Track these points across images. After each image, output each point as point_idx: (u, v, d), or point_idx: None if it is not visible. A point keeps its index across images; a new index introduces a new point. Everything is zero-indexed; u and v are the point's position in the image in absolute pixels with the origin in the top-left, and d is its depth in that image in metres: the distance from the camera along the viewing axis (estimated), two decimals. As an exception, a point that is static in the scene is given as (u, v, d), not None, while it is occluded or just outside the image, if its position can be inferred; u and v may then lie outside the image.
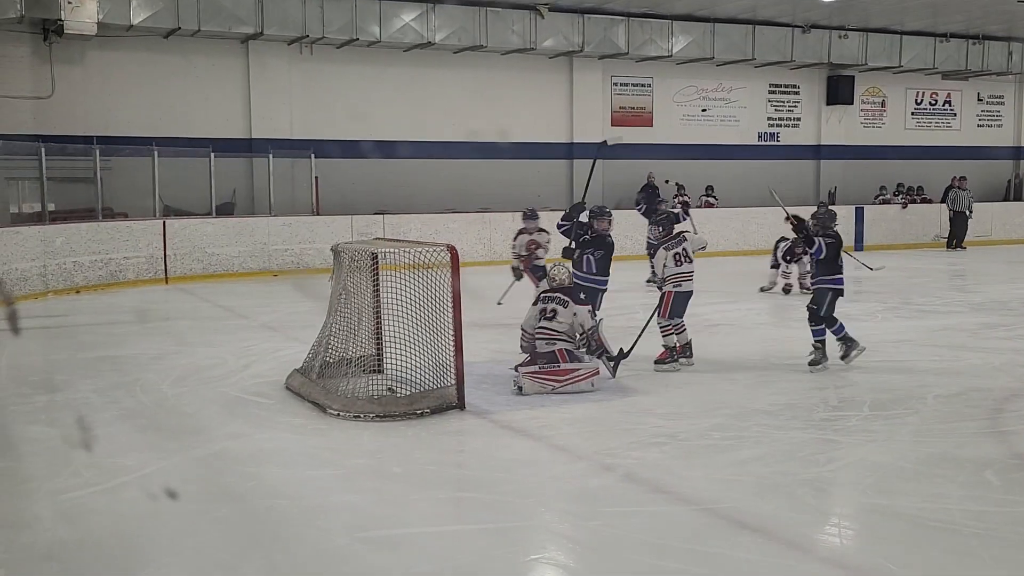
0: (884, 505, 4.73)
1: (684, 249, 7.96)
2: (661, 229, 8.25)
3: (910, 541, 4.27)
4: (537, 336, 7.35)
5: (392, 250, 6.99)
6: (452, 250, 6.51)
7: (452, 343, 6.47)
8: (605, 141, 9.02)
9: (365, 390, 6.59)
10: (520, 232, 10.33)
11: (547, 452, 5.72)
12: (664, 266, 7.94)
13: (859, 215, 20.70)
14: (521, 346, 7.67)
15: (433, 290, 6.66)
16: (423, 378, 6.72)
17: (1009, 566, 3.99)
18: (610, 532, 4.42)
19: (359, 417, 6.28)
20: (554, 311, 7.35)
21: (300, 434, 6.10)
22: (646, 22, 18.84)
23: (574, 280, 7.82)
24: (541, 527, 4.62)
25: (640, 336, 7.82)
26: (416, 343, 6.75)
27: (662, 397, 6.94)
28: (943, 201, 20.99)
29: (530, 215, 10.34)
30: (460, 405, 6.49)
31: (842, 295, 7.87)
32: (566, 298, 7.38)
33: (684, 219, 12.19)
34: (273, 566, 4.12)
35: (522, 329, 7.59)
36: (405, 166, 18.17)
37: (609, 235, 8.35)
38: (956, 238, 20.24)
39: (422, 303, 6.71)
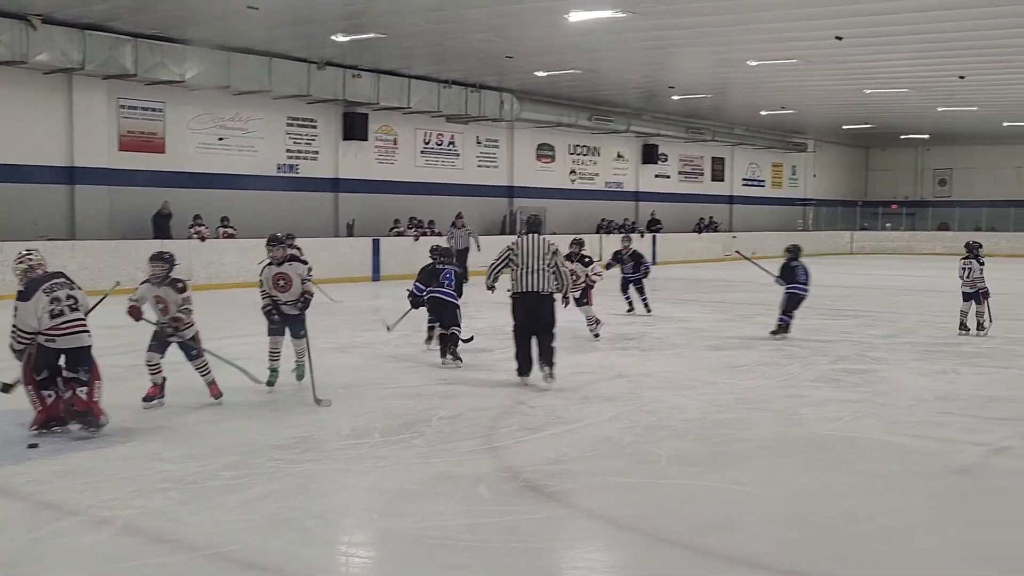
0: (390, 528, 4.94)
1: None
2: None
3: (411, 561, 4.50)
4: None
5: None
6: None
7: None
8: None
9: None
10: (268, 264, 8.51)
11: (31, 511, 5.13)
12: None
13: (375, 247, 21.74)
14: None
15: None
16: None
17: (498, 571, 4.36)
18: (105, 593, 4.09)
19: None
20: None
21: None
22: (156, 44, 18.05)
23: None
24: (22, 598, 4.13)
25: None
26: None
27: (171, 440, 6.62)
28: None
29: (279, 241, 8.51)
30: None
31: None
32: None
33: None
34: None
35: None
36: None
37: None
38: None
39: None
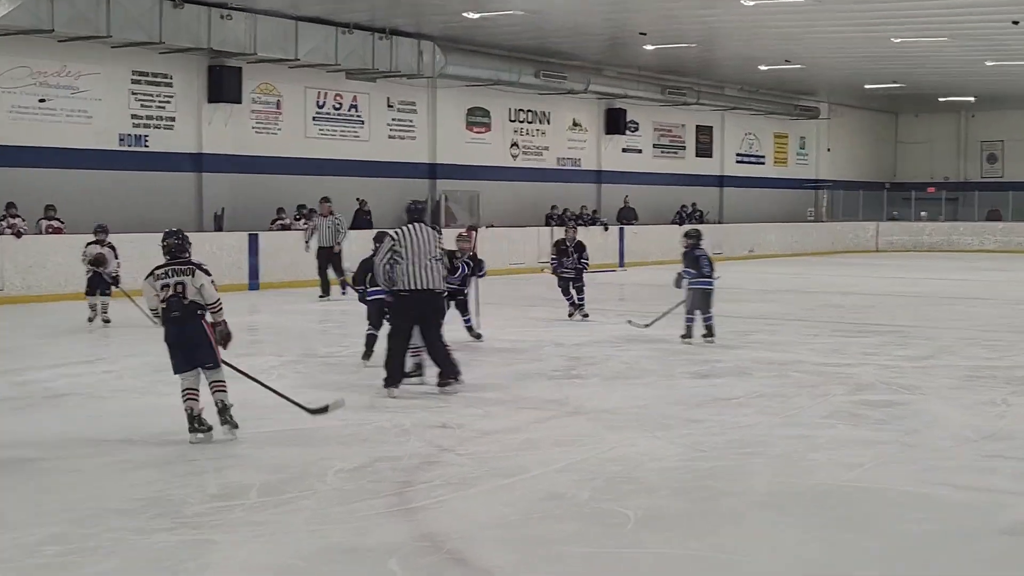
0: (269, 618, 4.94)
1: None
2: None
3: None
4: None
5: None
6: None
7: None
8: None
9: None
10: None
11: None
12: None
13: (253, 245, 21.47)
14: None
15: None
16: None
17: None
18: None
19: None
20: None
21: None
22: (-47, -28, 17.80)
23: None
24: None
25: None
26: None
27: (-26, 504, 6.52)
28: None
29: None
30: None
31: None
32: None
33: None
34: None
35: None
36: None
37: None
38: (322, 283, 19.42)
39: None
